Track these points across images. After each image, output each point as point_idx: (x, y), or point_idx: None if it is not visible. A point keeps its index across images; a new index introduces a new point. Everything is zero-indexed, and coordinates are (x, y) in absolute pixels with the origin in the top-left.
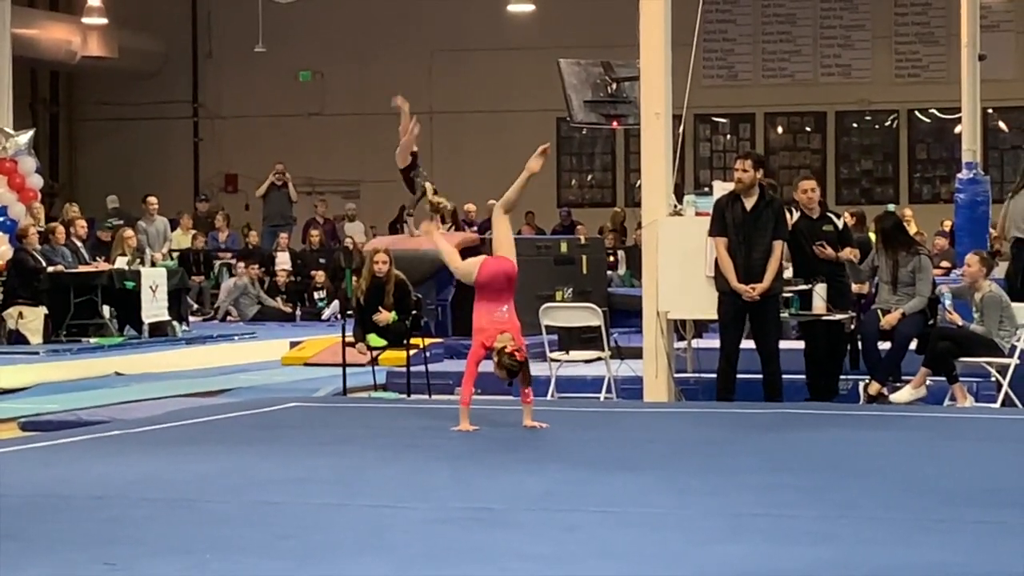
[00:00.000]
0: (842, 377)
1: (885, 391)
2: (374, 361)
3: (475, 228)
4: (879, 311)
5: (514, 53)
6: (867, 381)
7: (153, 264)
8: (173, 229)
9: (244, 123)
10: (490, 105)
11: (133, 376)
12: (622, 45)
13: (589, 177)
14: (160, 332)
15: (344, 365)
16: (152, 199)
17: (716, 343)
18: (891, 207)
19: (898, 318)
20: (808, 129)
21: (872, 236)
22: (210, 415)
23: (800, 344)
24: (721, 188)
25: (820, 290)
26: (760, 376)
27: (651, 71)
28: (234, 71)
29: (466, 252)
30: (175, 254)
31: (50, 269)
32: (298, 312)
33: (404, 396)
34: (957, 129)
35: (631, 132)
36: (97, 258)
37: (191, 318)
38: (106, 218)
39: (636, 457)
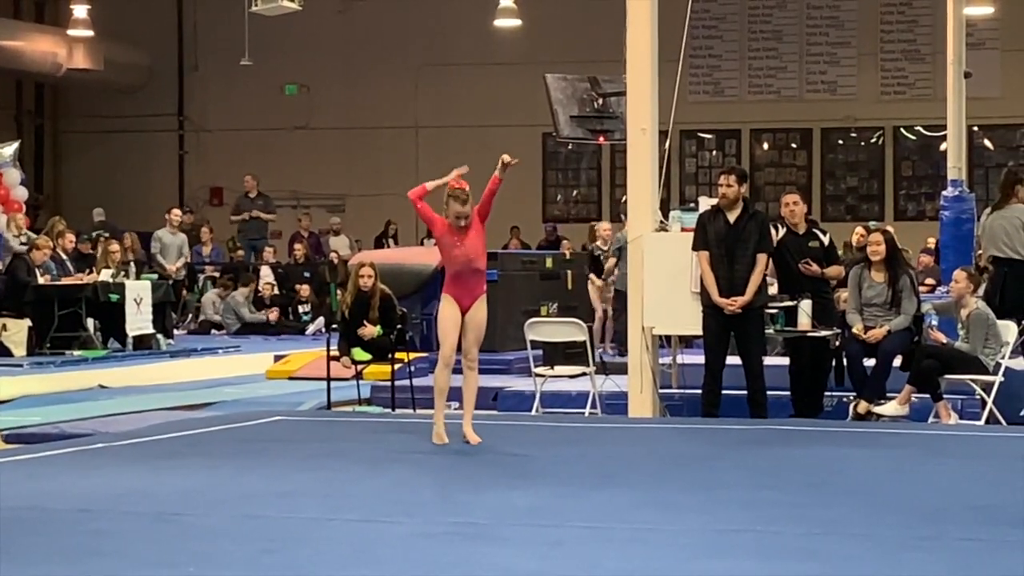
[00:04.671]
0: (827, 394)
1: (874, 409)
2: (359, 375)
3: None
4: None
5: (500, 68)
6: (854, 399)
7: (167, 276)
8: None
9: (230, 136)
10: (476, 120)
11: (117, 389)
12: (609, 60)
13: (575, 192)
14: (144, 345)
15: (329, 379)
16: (176, 211)
17: (701, 358)
18: (872, 224)
19: (883, 334)
20: (794, 145)
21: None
22: (194, 428)
23: (785, 360)
24: (707, 204)
25: (805, 306)
26: (745, 392)
27: (637, 86)
28: (220, 84)
29: None
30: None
31: (40, 281)
32: (276, 318)
33: (389, 410)
34: (943, 146)
35: (617, 147)
36: (87, 270)
37: (176, 331)
38: (92, 230)
39: (621, 473)
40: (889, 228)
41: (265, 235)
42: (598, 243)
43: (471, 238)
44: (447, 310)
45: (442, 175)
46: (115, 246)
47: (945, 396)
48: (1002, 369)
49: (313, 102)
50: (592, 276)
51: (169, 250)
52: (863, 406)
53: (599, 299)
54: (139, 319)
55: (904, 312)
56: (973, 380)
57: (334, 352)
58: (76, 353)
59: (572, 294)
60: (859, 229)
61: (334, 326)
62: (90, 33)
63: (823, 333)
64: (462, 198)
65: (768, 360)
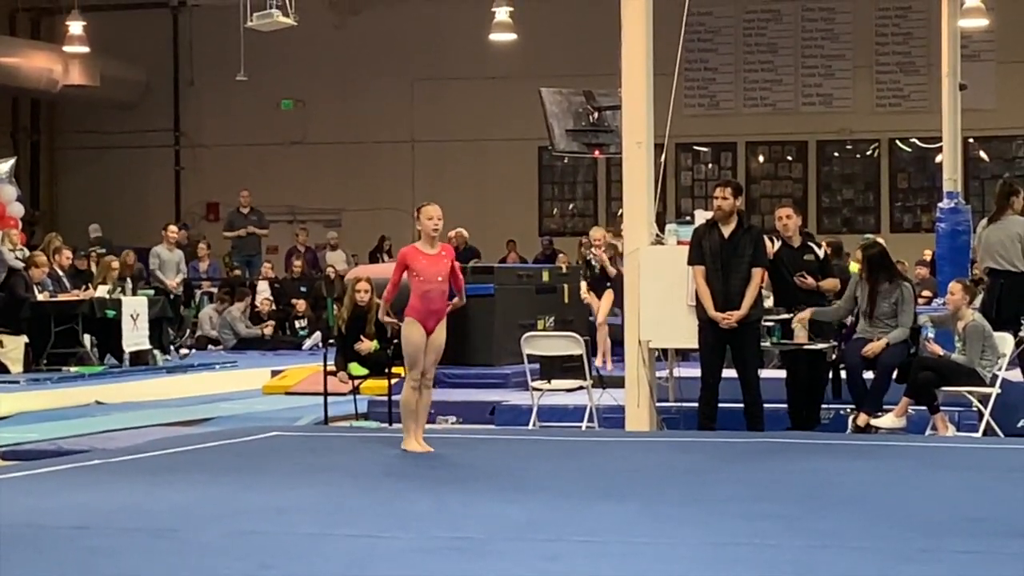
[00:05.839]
0: (824, 406)
1: (872, 421)
2: (355, 390)
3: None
4: (862, 340)
5: (496, 82)
6: (853, 412)
7: (167, 292)
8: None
9: (225, 152)
10: (472, 134)
11: (114, 405)
12: (604, 74)
13: (571, 206)
14: (141, 361)
15: (325, 394)
16: (173, 228)
17: (698, 372)
18: (868, 237)
19: (882, 347)
20: (789, 158)
21: (853, 265)
22: (191, 444)
23: (781, 373)
24: (702, 217)
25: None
26: (741, 405)
27: (633, 100)
28: (215, 100)
29: None
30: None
31: (39, 297)
32: (271, 331)
33: (385, 425)
34: (938, 158)
35: (613, 161)
36: (83, 286)
37: (183, 350)
38: (88, 246)
39: (618, 487)
40: (879, 240)
41: (260, 250)
42: (593, 251)
43: (440, 258)
44: (415, 334)
45: (437, 190)
46: (115, 262)
47: (942, 408)
48: (999, 381)
49: (309, 117)
50: (587, 290)
51: (167, 266)
52: (863, 419)
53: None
54: (136, 335)
55: (902, 324)
56: (970, 392)
57: (331, 367)
58: (73, 369)
59: (569, 307)
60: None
61: (331, 341)
62: (86, 49)
63: (820, 346)
64: (434, 211)
65: (764, 373)
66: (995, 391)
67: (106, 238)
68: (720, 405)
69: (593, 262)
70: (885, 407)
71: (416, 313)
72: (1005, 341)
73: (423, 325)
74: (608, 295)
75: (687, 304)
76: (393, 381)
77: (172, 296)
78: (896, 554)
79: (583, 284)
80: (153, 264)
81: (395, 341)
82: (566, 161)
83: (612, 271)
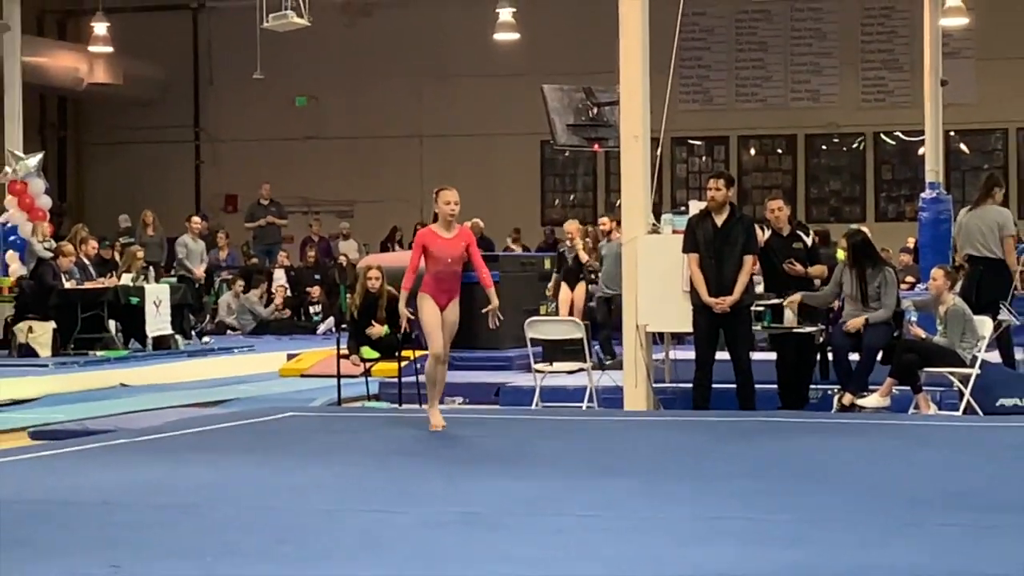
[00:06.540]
0: (812, 387)
1: (857, 401)
2: (367, 372)
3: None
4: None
5: (500, 79)
6: (839, 392)
7: (192, 279)
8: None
9: (243, 146)
10: (477, 129)
11: (137, 387)
12: (603, 72)
13: (571, 197)
14: (163, 345)
15: (339, 376)
16: (196, 219)
17: (692, 354)
18: (854, 227)
19: (862, 323)
20: (779, 151)
21: (839, 252)
22: (211, 424)
23: (772, 355)
24: (696, 207)
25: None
26: (734, 386)
27: (630, 96)
28: (233, 97)
29: None
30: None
31: (67, 285)
32: (288, 313)
33: (396, 405)
34: (920, 151)
35: (611, 154)
36: (108, 274)
37: (205, 341)
38: (116, 236)
39: (617, 464)
40: (864, 228)
41: (279, 240)
42: (567, 243)
43: (455, 241)
44: (429, 309)
45: (444, 182)
46: (139, 251)
47: (924, 388)
48: (978, 362)
49: (322, 113)
50: (564, 284)
51: (193, 255)
52: (847, 398)
53: (570, 308)
54: (158, 321)
55: (884, 306)
56: (951, 373)
57: (344, 351)
58: (98, 353)
59: None
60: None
61: (344, 326)
62: (110, 49)
63: (808, 329)
64: (452, 195)
65: (755, 355)
66: (975, 372)
67: (133, 228)
68: (713, 386)
69: (567, 254)
70: (870, 387)
71: (429, 289)
72: (984, 324)
73: (435, 301)
74: (581, 287)
75: (682, 290)
76: (403, 364)
77: (197, 284)
78: (881, 528)
79: (551, 282)
80: (181, 253)
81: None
82: (567, 154)
83: (584, 257)
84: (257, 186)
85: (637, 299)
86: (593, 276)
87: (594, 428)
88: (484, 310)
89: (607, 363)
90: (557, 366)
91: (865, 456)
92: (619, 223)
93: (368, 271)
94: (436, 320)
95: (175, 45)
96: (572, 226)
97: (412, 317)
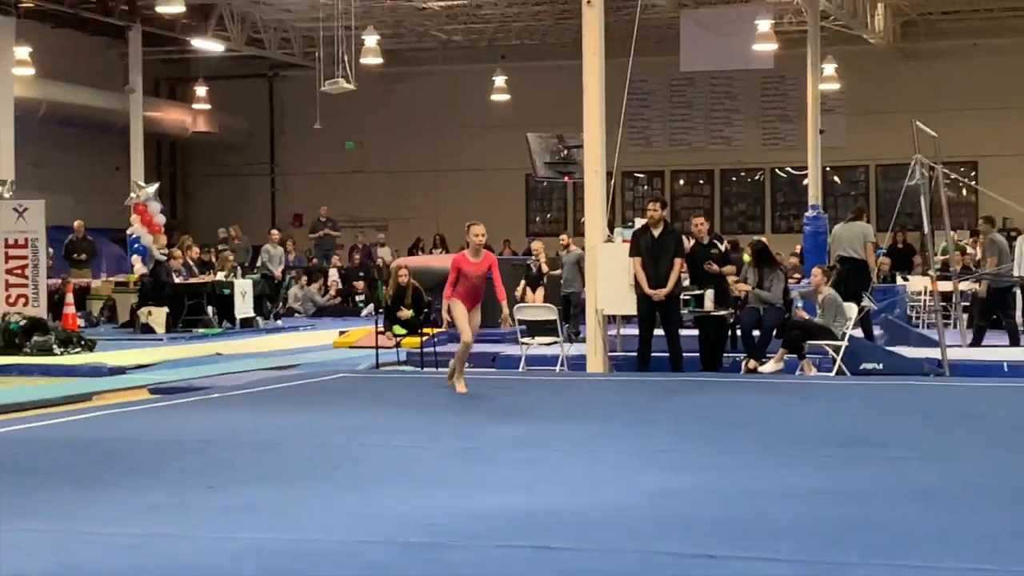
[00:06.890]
0: (725, 355)
1: (759, 366)
2: (398, 344)
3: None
4: (751, 308)
5: (496, 129)
6: (745, 359)
7: (272, 276)
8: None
9: (306, 178)
10: (479, 165)
11: (229, 356)
12: (571, 123)
13: (548, 216)
14: (248, 325)
15: (377, 347)
16: (275, 232)
17: (636, 331)
18: (756, 238)
19: (746, 290)
20: (701, 182)
21: (745, 257)
22: (284, 383)
23: (695, 332)
24: (640, 223)
25: (709, 295)
26: (667, 354)
27: (591, 141)
28: (299, 142)
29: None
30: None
31: (176, 280)
32: (340, 301)
33: (420, 370)
34: (805, 182)
35: (578, 184)
36: (208, 272)
37: (279, 322)
38: (218, 244)
39: (581, 412)
40: (763, 239)
41: (333, 247)
42: (534, 256)
43: (481, 264)
44: (460, 310)
45: (454, 205)
46: (230, 255)
47: (808, 356)
48: (847, 337)
49: (365, 154)
50: (528, 288)
51: (274, 259)
52: (751, 364)
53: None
54: (244, 307)
55: (773, 292)
56: (827, 345)
57: (380, 329)
58: (200, 331)
59: (547, 287)
60: (726, 243)
61: (380, 310)
62: (208, 107)
63: (722, 312)
64: (480, 229)
65: (683, 332)
66: (844, 344)
67: (227, 238)
68: (652, 354)
69: (532, 266)
70: (767, 355)
71: (460, 296)
72: (852, 309)
73: (464, 303)
74: (541, 291)
75: (629, 284)
76: (424, 339)
77: (276, 281)
78: (778, 458)
79: (519, 287)
80: (264, 257)
81: (425, 310)
82: (545, 184)
83: (545, 268)
84: (317, 207)
85: (596, 291)
86: (544, 281)
87: (565, 386)
88: (499, 320)
89: (574, 339)
90: (538, 340)
91: (764, 407)
92: (582, 234)
93: (398, 270)
94: (465, 317)
95: (256, 103)
96: (538, 245)
97: (450, 319)
